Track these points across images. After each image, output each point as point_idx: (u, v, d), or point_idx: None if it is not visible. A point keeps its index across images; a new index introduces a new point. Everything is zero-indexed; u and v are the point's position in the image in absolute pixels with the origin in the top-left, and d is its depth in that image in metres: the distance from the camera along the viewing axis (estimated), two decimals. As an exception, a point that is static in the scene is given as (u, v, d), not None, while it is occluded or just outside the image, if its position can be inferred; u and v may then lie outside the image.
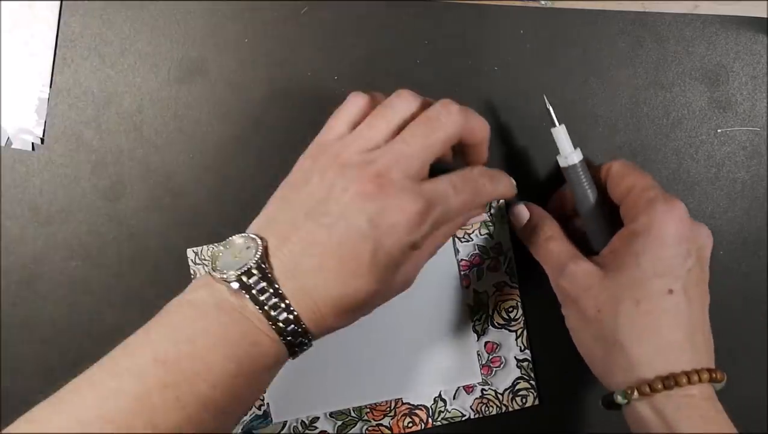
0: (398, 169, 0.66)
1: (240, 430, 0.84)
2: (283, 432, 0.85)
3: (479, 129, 0.72)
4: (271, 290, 0.64)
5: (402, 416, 0.85)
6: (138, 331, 0.65)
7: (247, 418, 0.84)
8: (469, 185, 0.71)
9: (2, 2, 0.81)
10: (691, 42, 0.85)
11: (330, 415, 0.85)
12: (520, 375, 0.86)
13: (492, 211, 0.84)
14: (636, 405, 0.71)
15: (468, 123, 0.70)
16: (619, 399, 0.71)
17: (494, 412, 0.86)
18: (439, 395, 0.86)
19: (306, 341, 0.67)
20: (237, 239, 0.67)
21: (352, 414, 0.85)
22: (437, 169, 0.70)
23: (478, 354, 0.85)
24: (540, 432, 0.87)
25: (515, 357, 0.86)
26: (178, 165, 0.83)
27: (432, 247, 0.72)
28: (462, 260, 0.85)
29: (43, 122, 0.82)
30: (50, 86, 0.82)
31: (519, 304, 0.86)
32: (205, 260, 0.83)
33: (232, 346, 0.63)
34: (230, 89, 0.83)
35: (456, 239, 0.85)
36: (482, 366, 0.85)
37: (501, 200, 0.84)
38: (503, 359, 0.85)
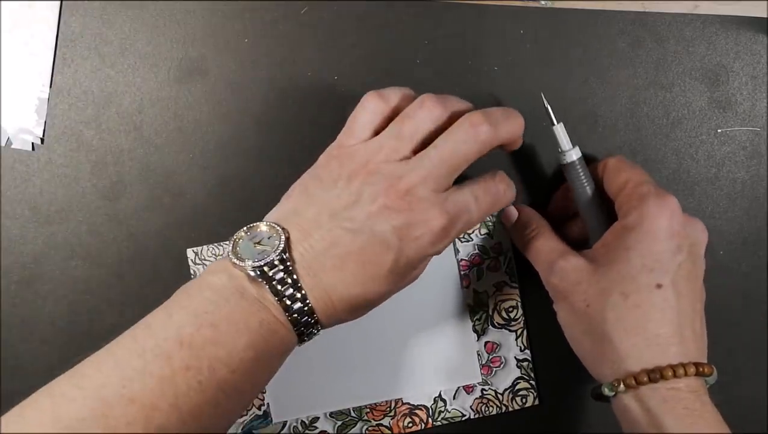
0: (426, 186, 0.67)
1: (240, 430, 0.84)
2: (283, 432, 0.85)
3: (509, 137, 0.73)
4: (290, 282, 0.66)
5: (402, 416, 0.85)
6: (157, 311, 0.67)
7: (247, 418, 0.84)
8: (490, 195, 0.73)
9: (2, 2, 0.81)
10: (691, 42, 0.85)
11: (330, 415, 0.85)
12: (520, 374, 0.86)
13: None
14: (622, 398, 0.71)
15: (497, 136, 0.70)
16: (606, 391, 0.71)
17: (494, 412, 0.86)
18: (439, 395, 0.86)
19: (316, 331, 0.69)
20: (261, 226, 0.69)
21: (352, 414, 0.85)
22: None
23: (478, 354, 0.86)
24: (540, 431, 0.87)
25: (515, 357, 0.86)
26: (178, 165, 0.83)
27: (450, 243, 0.73)
28: (462, 260, 0.85)
29: (43, 122, 0.82)
30: (50, 86, 0.82)
31: (519, 304, 0.86)
32: (205, 260, 0.83)
33: (252, 333, 0.65)
34: (230, 89, 0.83)
35: (456, 239, 0.85)
36: (482, 366, 0.86)
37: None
38: (503, 359, 0.85)
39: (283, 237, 0.67)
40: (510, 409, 0.86)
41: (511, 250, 0.86)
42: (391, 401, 0.85)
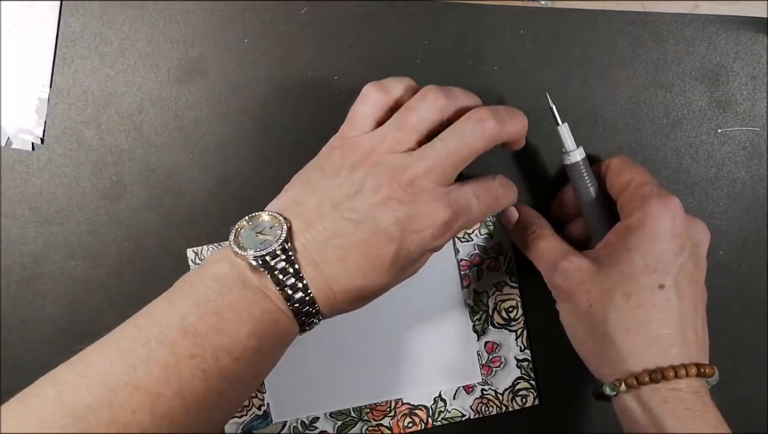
0: (430, 178, 0.68)
1: (240, 430, 0.84)
2: (283, 432, 0.85)
3: (514, 134, 0.73)
4: (292, 272, 0.66)
5: (402, 416, 0.85)
6: (159, 300, 0.67)
7: (247, 418, 0.84)
8: (491, 195, 0.73)
9: (2, 2, 0.81)
10: (691, 42, 0.85)
11: (330, 415, 0.85)
12: (520, 374, 0.86)
13: None
14: (623, 397, 0.72)
15: (502, 132, 0.71)
16: (607, 390, 0.72)
17: (494, 412, 0.86)
18: (439, 395, 0.86)
19: (317, 321, 0.70)
20: (263, 215, 0.69)
21: (352, 414, 0.85)
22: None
23: (478, 354, 0.86)
24: (540, 431, 0.87)
25: (515, 357, 0.86)
26: (178, 165, 0.83)
27: (449, 240, 0.73)
28: (462, 260, 0.85)
29: (43, 122, 0.82)
30: (50, 86, 0.82)
31: (519, 304, 0.86)
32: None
33: (255, 322, 0.66)
34: (230, 89, 0.83)
35: (456, 239, 0.85)
36: (482, 366, 0.86)
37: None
38: (503, 359, 0.85)
39: (285, 227, 0.67)
40: (510, 409, 0.86)
41: (511, 250, 0.86)
42: (391, 401, 0.85)
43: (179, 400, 0.63)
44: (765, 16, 0.85)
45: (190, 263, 0.83)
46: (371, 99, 0.71)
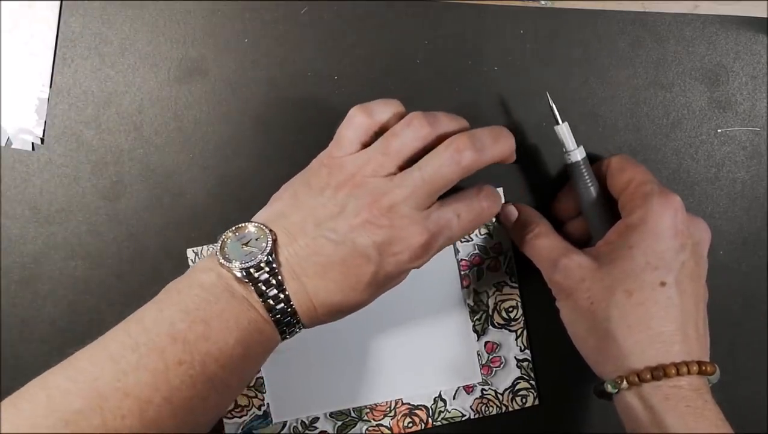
0: (408, 204, 0.69)
1: (240, 430, 0.84)
2: (283, 432, 0.85)
3: (497, 159, 0.73)
4: (275, 283, 0.68)
5: (402, 416, 0.85)
6: (148, 307, 0.69)
7: (247, 418, 0.84)
8: (472, 211, 0.73)
9: (2, 2, 0.81)
10: (691, 42, 0.85)
11: (330, 415, 0.85)
12: (520, 374, 0.86)
13: None
14: (624, 394, 0.72)
15: (481, 160, 0.71)
16: (609, 388, 0.72)
17: (494, 412, 0.86)
18: (439, 395, 0.86)
19: (297, 330, 0.71)
20: (249, 227, 0.71)
21: (352, 414, 0.85)
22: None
23: (478, 354, 0.86)
24: (540, 431, 0.87)
25: (515, 357, 0.86)
26: (178, 165, 0.83)
27: (431, 258, 0.73)
28: (462, 260, 0.85)
29: (43, 122, 0.82)
30: (50, 86, 0.82)
31: (519, 304, 0.86)
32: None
33: (241, 331, 0.67)
34: (230, 89, 0.83)
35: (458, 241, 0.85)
36: (482, 366, 0.86)
37: (501, 201, 0.84)
38: (503, 359, 0.85)
39: (270, 239, 0.69)
40: (510, 409, 0.86)
41: (511, 250, 0.86)
42: (391, 401, 0.85)
43: (167, 405, 0.64)
44: (765, 16, 0.85)
45: (190, 263, 0.83)
46: (356, 123, 0.72)
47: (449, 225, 0.71)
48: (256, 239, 0.69)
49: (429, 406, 0.85)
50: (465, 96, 0.84)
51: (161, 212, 0.83)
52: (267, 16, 0.83)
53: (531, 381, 0.86)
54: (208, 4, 0.83)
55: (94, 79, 0.82)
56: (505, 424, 0.86)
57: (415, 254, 0.70)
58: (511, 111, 0.85)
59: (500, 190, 0.85)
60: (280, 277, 0.68)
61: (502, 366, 0.86)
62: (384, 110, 0.73)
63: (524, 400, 0.86)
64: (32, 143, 0.82)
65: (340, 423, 0.85)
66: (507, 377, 0.86)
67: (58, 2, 0.82)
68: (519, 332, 0.86)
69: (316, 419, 0.85)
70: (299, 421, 0.85)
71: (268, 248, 0.68)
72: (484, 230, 0.85)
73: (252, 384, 0.84)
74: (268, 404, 0.85)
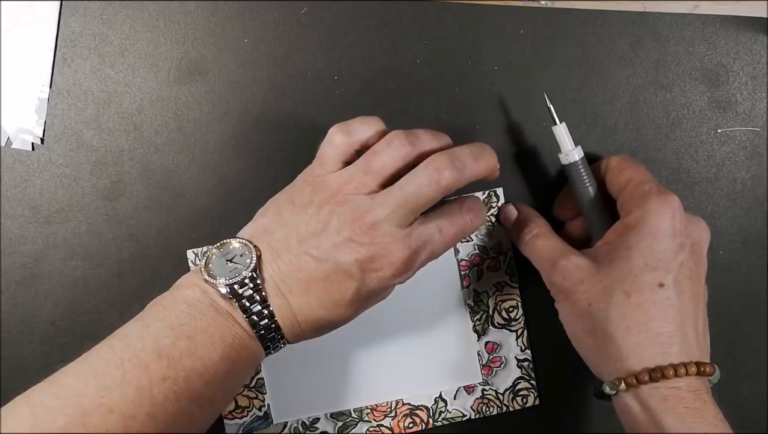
0: (389, 222, 0.69)
1: (241, 431, 0.84)
2: (284, 432, 0.85)
3: (478, 177, 0.73)
4: (258, 300, 0.69)
5: (403, 416, 0.85)
6: (132, 323, 0.69)
7: (248, 419, 0.84)
8: (455, 225, 0.74)
9: (2, 2, 0.81)
10: (691, 42, 0.85)
11: (331, 416, 0.85)
12: (520, 374, 0.86)
13: (493, 209, 0.85)
14: (623, 396, 0.72)
15: (461, 178, 0.71)
16: (608, 389, 0.72)
17: (495, 412, 0.86)
18: (440, 395, 0.86)
19: (282, 345, 0.72)
20: (234, 243, 0.72)
21: (353, 414, 0.85)
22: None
23: (479, 354, 0.86)
24: (541, 432, 0.87)
25: (516, 357, 0.86)
26: (178, 165, 0.83)
27: (415, 273, 0.74)
28: (462, 260, 0.85)
29: (43, 122, 0.82)
30: (50, 86, 0.82)
31: (519, 304, 0.86)
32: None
33: (226, 347, 0.68)
34: (230, 89, 0.83)
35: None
36: (483, 366, 0.86)
37: (501, 201, 0.84)
38: (504, 359, 0.86)
39: (254, 255, 0.70)
40: (511, 409, 0.86)
41: (511, 250, 0.86)
42: (391, 401, 0.85)
43: (151, 421, 0.64)
44: (765, 16, 0.85)
45: (190, 264, 0.83)
46: (335, 142, 0.72)
47: (431, 240, 0.72)
48: (241, 255, 0.70)
49: (430, 406, 0.86)
50: (465, 96, 0.84)
51: (161, 212, 0.83)
52: (267, 16, 0.83)
53: (531, 381, 0.86)
54: (208, 4, 0.83)
55: (94, 79, 0.82)
56: (505, 424, 0.86)
57: (397, 271, 0.70)
58: (511, 111, 0.85)
59: (500, 190, 0.85)
60: (264, 293, 0.69)
61: (502, 366, 0.86)
62: (363, 128, 0.73)
63: (525, 400, 0.86)
64: (32, 143, 0.82)
65: (340, 423, 0.85)
66: (507, 377, 0.86)
67: (58, 2, 0.82)
68: (519, 332, 0.86)
69: (317, 420, 0.85)
70: (300, 422, 0.85)
71: (253, 265, 0.69)
72: (484, 230, 0.85)
73: (252, 385, 0.84)
74: (268, 405, 0.85)
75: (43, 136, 0.82)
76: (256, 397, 0.84)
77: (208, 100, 0.83)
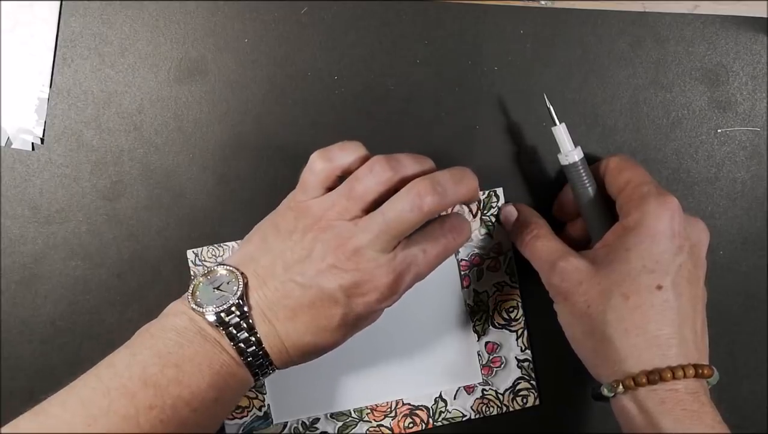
0: (372, 248, 0.69)
1: (241, 431, 0.84)
2: (284, 432, 0.85)
3: (460, 200, 0.73)
4: (245, 327, 0.69)
5: (403, 416, 0.85)
6: (120, 351, 0.69)
7: (248, 419, 0.84)
8: (438, 245, 0.74)
9: (2, 2, 0.81)
10: (691, 42, 0.85)
11: (331, 416, 0.85)
12: (520, 375, 0.86)
13: (493, 209, 0.85)
14: (621, 398, 0.72)
15: (443, 203, 0.71)
16: (605, 391, 0.72)
17: (495, 412, 0.86)
18: (440, 395, 0.86)
19: (270, 371, 0.73)
20: (220, 270, 0.72)
21: (353, 415, 0.85)
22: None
23: (479, 354, 0.86)
24: (541, 432, 0.87)
25: (516, 357, 0.86)
26: (178, 165, 0.83)
27: (402, 295, 0.74)
28: (462, 260, 0.85)
29: (43, 122, 0.82)
30: (50, 86, 0.82)
31: (519, 304, 0.86)
32: (205, 261, 0.84)
33: (214, 375, 0.68)
34: (230, 89, 0.83)
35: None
36: (483, 366, 0.86)
37: (501, 201, 0.85)
38: (504, 359, 0.86)
39: (241, 282, 0.70)
40: (511, 409, 0.86)
41: (511, 250, 0.86)
42: (391, 401, 0.85)
43: None
44: (765, 16, 0.85)
45: (190, 264, 0.83)
46: (316, 169, 0.72)
47: (415, 262, 0.72)
48: (228, 283, 0.71)
49: (430, 406, 0.86)
50: (465, 96, 0.84)
51: (161, 212, 0.83)
52: (267, 16, 0.83)
53: (532, 381, 0.86)
54: (208, 4, 0.83)
55: (94, 79, 0.82)
56: (505, 424, 0.86)
57: (383, 295, 0.70)
58: (511, 111, 0.85)
59: (500, 190, 0.85)
60: (250, 320, 0.69)
61: (502, 366, 0.86)
62: (344, 154, 0.73)
63: (525, 400, 0.86)
64: (32, 143, 0.82)
65: (340, 423, 0.85)
66: (508, 377, 0.86)
67: (58, 2, 0.82)
68: (519, 332, 0.86)
69: (317, 420, 0.85)
70: (300, 422, 0.85)
71: (239, 292, 0.69)
72: (484, 231, 0.85)
73: (252, 385, 0.84)
74: (268, 405, 0.85)
75: (43, 136, 0.82)
76: (256, 397, 0.85)
77: (208, 100, 0.83)
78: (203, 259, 0.83)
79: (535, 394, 0.86)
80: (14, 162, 0.82)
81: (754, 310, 0.88)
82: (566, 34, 0.85)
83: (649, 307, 0.70)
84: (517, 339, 0.86)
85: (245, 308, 0.69)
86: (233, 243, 0.84)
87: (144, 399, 0.65)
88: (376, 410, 0.85)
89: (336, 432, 0.85)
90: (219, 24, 0.83)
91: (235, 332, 0.68)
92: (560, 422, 0.87)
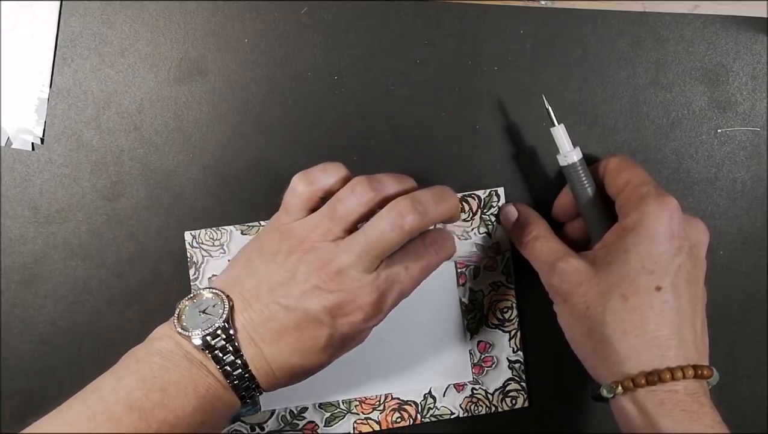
0: (355, 268, 0.69)
1: (229, 417, 0.85)
2: (271, 420, 0.86)
3: (441, 218, 0.74)
4: (231, 350, 0.69)
5: (391, 411, 0.86)
6: (106, 375, 0.69)
7: (236, 405, 0.85)
8: (421, 261, 0.74)
9: (2, 2, 0.81)
10: (691, 42, 0.85)
11: (319, 406, 0.86)
12: (511, 376, 0.86)
13: (493, 208, 0.85)
14: (620, 399, 0.71)
15: (424, 222, 0.71)
16: (605, 392, 0.72)
17: (483, 412, 0.86)
18: (429, 392, 0.86)
19: (257, 394, 0.73)
20: (205, 294, 0.72)
21: (341, 406, 0.86)
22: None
23: (471, 353, 0.86)
24: (528, 433, 0.87)
25: (507, 358, 0.86)
26: (178, 165, 0.84)
27: (387, 313, 0.75)
28: (459, 258, 0.85)
29: (43, 122, 0.82)
30: (50, 86, 0.82)
31: (514, 305, 0.86)
32: (203, 244, 0.84)
33: (200, 399, 0.68)
34: (230, 89, 0.84)
35: (455, 237, 0.85)
36: (474, 365, 0.86)
37: (502, 201, 0.85)
38: (495, 359, 0.86)
39: (227, 305, 0.70)
40: (499, 410, 0.86)
41: (509, 251, 0.86)
42: (380, 395, 0.86)
43: None
44: (765, 16, 0.85)
45: (187, 246, 0.84)
46: (298, 191, 0.73)
47: (399, 279, 0.72)
48: (213, 306, 0.71)
49: (418, 402, 0.86)
50: (465, 96, 0.84)
51: (161, 212, 0.84)
52: (267, 16, 0.84)
53: (522, 383, 0.86)
54: (208, 4, 0.83)
55: (94, 79, 0.83)
56: (494, 424, 0.86)
57: (367, 315, 0.71)
58: (511, 111, 0.85)
59: (500, 190, 0.85)
60: (236, 343, 0.69)
61: (493, 366, 0.86)
62: (325, 176, 0.73)
63: (514, 401, 0.86)
64: (32, 143, 0.82)
65: (328, 414, 0.86)
66: (498, 377, 0.86)
67: (58, 2, 0.82)
68: (513, 333, 0.86)
69: (305, 409, 0.86)
70: (288, 410, 0.86)
71: (225, 315, 0.69)
72: (483, 230, 0.85)
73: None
74: (257, 392, 0.85)
75: (43, 136, 0.82)
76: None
77: (208, 100, 0.84)
78: (201, 241, 0.84)
79: (525, 396, 0.86)
80: (14, 162, 0.83)
81: (754, 310, 0.88)
82: (566, 34, 0.85)
83: (648, 308, 0.70)
84: (509, 340, 0.86)
85: (231, 332, 0.69)
86: (231, 227, 0.84)
87: (129, 423, 0.65)
88: (364, 403, 0.86)
89: (323, 422, 0.86)
90: (219, 24, 0.83)
91: (221, 355, 0.69)
92: (548, 424, 0.87)
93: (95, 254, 0.83)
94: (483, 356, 0.86)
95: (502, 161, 0.85)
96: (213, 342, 0.68)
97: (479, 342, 0.86)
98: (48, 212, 0.83)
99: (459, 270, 0.86)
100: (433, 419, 0.86)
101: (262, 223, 0.84)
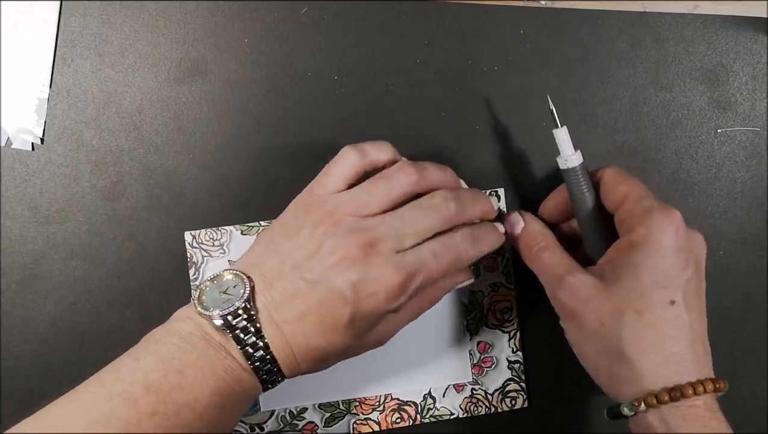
0: (388, 244, 0.69)
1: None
2: (270, 420, 0.86)
3: (474, 218, 0.74)
4: (253, 331, 0.68)
5: (390, 411, 0.86)
6: (124, 357, 0.69)
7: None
8: (451, 252, 0.73)
9: (2, 2, 0.82)
10: (691, 42, 0.85)
11: (318, 407, 0.86)
12: (510, 376, 0.86)
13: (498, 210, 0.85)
14: (643, 417, 0.71)
15: (462, 215, 0.72)
16: (626, 410, 0.70)
17: (483, 412, 0.86)
18: (429, 392, 0.86)
19: (279, 379, 0.71)
20: (226, 275, 0.71)
21: (341, 406, 0.86)
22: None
23: (470, 353, 0.86)
24: (528, 433, 0.87)
25: (507, 359, 0.86)
26: (178, 165, 0.84)
27: (413, 312, 0.75)
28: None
29: (43, 122, 0.82)
30: (50, 86, 0.82)
31: (514, 306, 0.86)
32: (202, 244, 0.84)
33: (218, 380, 0.67)
34: (230, 89, 0.84)
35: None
36: (473, 366, 0.86)
37: (503, 201, 0.85)
38: (495, 359, 0.86)
39: (248, 286, 0.69)
40: (499, 410, 0.86)
41: (509, 252, 0.86)
42: (380, 396, 0.86)
43: None
44: (765, 16, 0.85)
45: (187, 246, 0.84)
46: (349, 161, 0.72)
47: (426, 265, 0.70)
48: (234, 286, 0.70)
49: (418, 403, 0.86)
50: (465, 96, 0.84)
51: (161, 212, 0.84)
52: (267, 16, 0.84)
53: (521, 383, 0.86)
54: (208, 4, 0.83)
55: (94, 79, 0.83)
56: (493, 425, 0.87)
57: (392, 294, 0.69)
58: (511, 111, 0.85)
59: (501, 190, 0.85)
60: (258, 324, 0.68)
61: (493, 366, 0.86)
62: (376, 152, 0.73)
63: (514, 402, 0.86)
64: (32, 143, 0.82)
65: (328, 414, 0.86)
66: (498, 378, 0.86)
67: (58, 2, 0.82)
68: (512, 333, 0.86)
69: (305, 409, 0.86)
70: (287, 411, 0.86)
71: (246, 295, 0.68)
72: (483, 229, 0.85)
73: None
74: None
75: (43, 136, 0.82)
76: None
77: (208, 100, 0.84)
78: (201, 241, 0.84)
79: (524, 396, 0.86)
80: (14, 162, 0.83)
81: (754, 310, 0.88)
82: (566, 34, 0.85)
83: (663, 322, 0.70)
84: (509, 340, 0.86)
85: (252, 312, 0.68)
86: (231, 228, 0.84)
87: (146, 404, 0.64)
88: (364, 403, 0.86)
89: (323, 422, 0.86)
90: (219, 24, 0.83)
91: (242, 335, 0.68)
92: (548, 425, 0.87)
93: (95, 254, 0.83)
94: (483, 356, 0.86)
95: (502, 161, 0.85)
96: (234, 322, 0.67)
97: (479, 342, 0.86)
98: (48, 212, 0.83)
99: (459, 270, 0.86)
100: (432, 419, 0.86)
101: (263, 223, 0.84)
